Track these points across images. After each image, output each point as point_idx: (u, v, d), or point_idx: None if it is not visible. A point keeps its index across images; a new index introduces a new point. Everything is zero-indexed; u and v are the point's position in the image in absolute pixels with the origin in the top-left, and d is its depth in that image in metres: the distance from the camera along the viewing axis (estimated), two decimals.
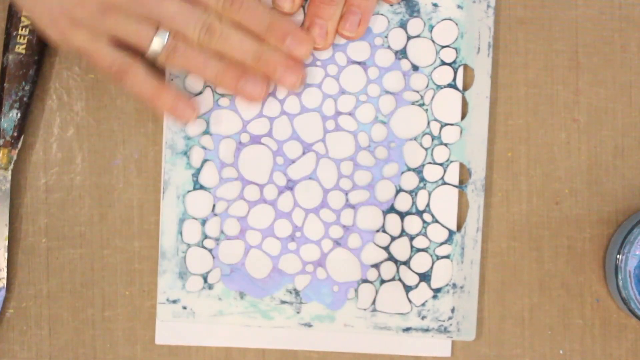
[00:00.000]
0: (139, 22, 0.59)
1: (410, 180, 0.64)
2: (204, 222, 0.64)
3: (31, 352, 0.65)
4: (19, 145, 0.64)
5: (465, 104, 0.64)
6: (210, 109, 0.64)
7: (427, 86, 0.64)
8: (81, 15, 0.58)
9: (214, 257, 0.64)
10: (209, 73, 0.61)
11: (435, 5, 0.64)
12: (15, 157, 0.64)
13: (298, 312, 0.64)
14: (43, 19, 0.59)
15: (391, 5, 0.64)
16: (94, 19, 0.58)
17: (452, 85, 0.64)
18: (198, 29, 0.59)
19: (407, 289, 0.64)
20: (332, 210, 0.64)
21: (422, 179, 0.64)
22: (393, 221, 0.64)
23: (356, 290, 0.64)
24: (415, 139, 0.64)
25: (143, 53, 0.60)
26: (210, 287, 0.64)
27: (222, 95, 0.64)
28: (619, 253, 0.62)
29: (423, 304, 0.64)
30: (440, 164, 0.64)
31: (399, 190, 0.64)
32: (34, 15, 0.60)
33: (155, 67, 0.61)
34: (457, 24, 0.64)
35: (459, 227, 0.64)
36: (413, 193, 0.64)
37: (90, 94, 0.65)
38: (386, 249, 0.64)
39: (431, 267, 0.64)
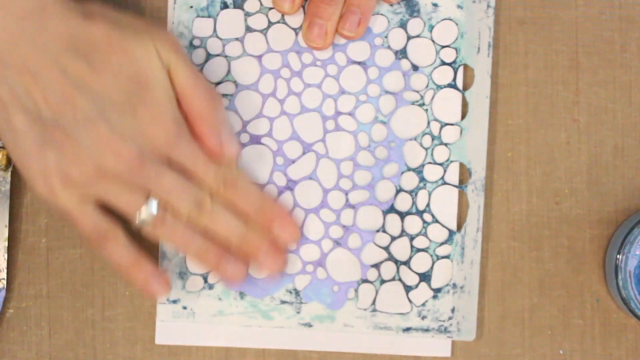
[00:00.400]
0: (131, 191, 0.58)
1: (410, 180, 0.64)
2: None
3: (31, 352, 0.65)
4: None
5: (465, 104, 0.64)
6: None
7: (427, 86, 0.64)
8: (75, 175, 0.57)
9: None
10: (192, 249, 0.60)
11: (435, 5, 0.64)
12: None
13: (298, 312, 0.64)
14: (33, 172, 0.57)
15: (391, 5, 0.64)
16: (87, 182, 0.57)
17: (452, 85, 0.64)
18: (189, 205, 0.59)
19: (407, 289, 0.64)
20: (332, 210, 0.64)
21: (422, 179, 0.64)
22: (393, 221, 0.64)
23: (356, 290, 0.64)
24: (415, 139, 0.64)
25: (129, 221, 0.59)
26: (210, 287, 0.64)
27: (223, 95, 0.64)
28: (619, 253, 0.62)
29: (423, 304, 0.64)
30: (440, 164, 0.64)
31: (399, 190, 0.64)
32: (23, 167, 0.57)
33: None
34: (457, 24, 0.64)
35: (459, 227, 0.64)
36: (413, 193, 0.64)
37: None
38: (386, 249, 0.64)
39: (431, 267, 0.64)
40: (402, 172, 0.64)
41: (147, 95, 0.57)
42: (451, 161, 0.64)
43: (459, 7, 0.64)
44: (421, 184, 0.64)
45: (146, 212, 0.58)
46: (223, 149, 0.59)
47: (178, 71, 0.58)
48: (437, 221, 0.64)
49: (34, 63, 0.55)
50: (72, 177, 0.57)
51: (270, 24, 0.64)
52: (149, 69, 0.57)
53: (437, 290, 0.64)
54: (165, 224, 0.59)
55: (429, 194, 0.64)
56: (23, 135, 0.57)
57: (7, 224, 0.64)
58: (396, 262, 0.64)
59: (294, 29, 0.64)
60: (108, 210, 0.59)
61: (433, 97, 0.64)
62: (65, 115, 0.56)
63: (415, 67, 0.64)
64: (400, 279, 0.64)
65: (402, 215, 0.64)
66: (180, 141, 0.58)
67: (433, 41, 0.64)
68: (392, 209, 0.64)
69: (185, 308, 0.64)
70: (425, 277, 0.64)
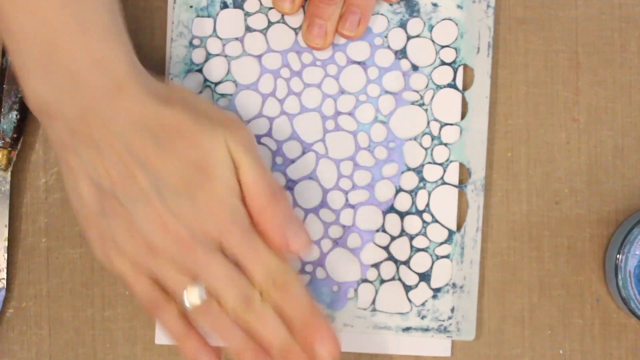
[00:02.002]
0: (179, 272, 0.57)
1: (410, 180, 0.64)
2: None
3: (31, 352, 0.65)
4: (19, 146, 0.64)
5: (465, 104, 0.64)
6: None
7: (426, 86, 0.64)
8: (128, 248, 0.57)
9: None
10: (232, 343, 0.59)
11: (435, 5, 0.64)
12: (14, 158, 0.64)
13: None
14: (94, 236, 0.58)
15: (391, 5, 0.64)
16: (137, 256, 0.57)
17: (452, 85, 0.64)
18: (238, 299, 0.58)
19: (407, 288, 0.64)
20: (332, 210, 0.64)
21: (421, 179, 0.64)
22: (393, 221, 0.64)
23: (356, 290, 0.64)
24: (415, 138, 0.64)
25: (177, 300, 0.58)
26: None
27: (222, 95, 0.64)
28: (619, 253, 0.61)
29: (423, 304, 0.64)
30: (440, 164, 0.64)
31: (398, 190, 0.64)
32: (86, 230, 0.59)
33: None
34: (457, 24, 0.64)
35: (458, 227, 0.64)
36: (413, 193, 0.64)
37: None
38: (386, 248, 0.64)
39: (431, 267, 0.64)
40: (402, 172, 0.64)
41: (208, 185, 0.57)
42: (451, 161, 0.64)
43: (459, 7, 0.64)
44: (421, 184, 0.64)
45: (192, 296, 0.58)
46: (288, 244, 0.58)
47: (244, 167, 0.57)
48: (436, 221, 0.64)
49: (100, 137, 0.56)
50: (125, 249, 0.57)
51: (270, 23, 0.64)
52: (214, 160, 0.57)
53: (437, 290, 0.64)
54: (209, 312, 0.58)
55: (429, 194, 0.64)
56: (86, 201, 0.58)
57: (7, 224, 0.64)
58: (396, 261, 0.64)
59: (294, 29, 0.64)
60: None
61: (433, 97, 0.64)
62: (124, 189, 0.56)
63: (415, 67, 0.64)
64: (400, 279, 0.64)
65: (402, 215, 0.64)
66: (234, 233, 0.57)
67: (433, 41, 0.64)
68: (391, 209, 0.64)
69: None
70: (425, 276, 0.64)
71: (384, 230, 0.64)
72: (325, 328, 0.59)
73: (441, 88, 0.64)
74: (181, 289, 0.58)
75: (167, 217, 0.56)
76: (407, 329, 0.64)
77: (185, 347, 0.59)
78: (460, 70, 0.64)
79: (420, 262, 0.64)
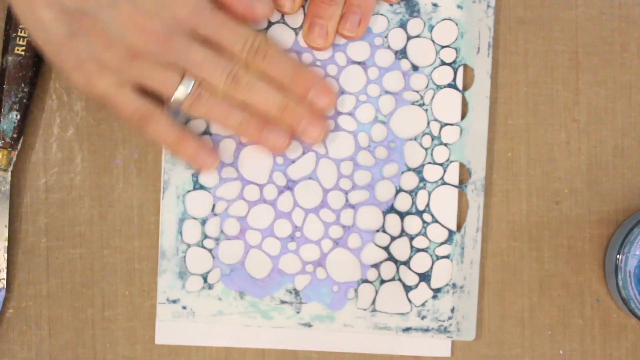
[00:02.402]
0: (164, 69, 0.58)
1: (410, 180, 0.64)
2: (203, 222, 0.64)
3: (31, 352, 0.65)
4: (19, 146, 0.64)
5: (465, 104, 0.64)
6: None
7: (427, 86, 0.64)
8: (108, 60, 0.58)
9: (213, 257, 0.64)
10: (232, 122, 0.60)
11: (435, 5, 0.64)
12: (15, 159, 0.64)
13: (298, 312, 0.64)
14: (69, 62, 0.58)
15: (391, 5, 0.64)
16: (120, 64, 0.58)
17: (452, 85, 0.64)
18: (224, 78, 0.59)
19: (407, 289, 0.64)
20: (332, 210, 0.64)
21: (422, 179, 0.64)
22: (393, 221, 0.64)
23: (356, 290, 0.64)
24: (415, 139, 0.64)
25: (166, 100, 0.59)
26: (210, 287, 0.64)
27: None
28: (619, 253, 0.62)
29: (423, 304, 0.64)
30: (440, 164, 0.64)
31: (398, 190, 0.64)
32: (59, 59, 0.59)
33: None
34: (457, 24, 0.64)
35: (458, 227, 0.64)
36: (413, 193, 0.64)
37: None
38: (386, 249, 0.64)
39: (431, 267, 0.64)
40: (402, 172, 0.64)
41: None
42: (451, 161, 0.64)
43: (459, 7, 0.64)
44: (421, 184, 0.64)
45: (182, 90, 0.59)
46: (252, 11, 0.59)
47: None
48: (436, 221, 0.64)
49: None
50: (105, 62, 0.58)
51: (270, 24, 0.64)
52: None
53: (437, 290, 0.64)
54: (201, 101, 0.59)
55: (429, 194, 0.64)
56: (52, 29, 0.57)
57: (7, 224, 0.64)
58: (396, 262, 0.64)
59: (294, 29, 0.64)
60: (147, 93, 0.59)
61: (433, 97, 0.64)
62: (89, 1, 0.57)
63: (415, 67, 0.64)
64: (400, 279, 0.64)
65: (402, 215, 0.64)
66: (202, 13, 0.58)
67: (433, 41, 0.64)
68: (392, 209, 0.64)
69: (185, 308, 0.64)
70: (425, 277, 0.64)
71: (384, 231, 0.64)
72: (316, 78, 0.61)
73: (441, 88, 0.64)
74: (169, 86, 0.59)
75: (138, 16, 0.57)
76: (407, 330, 0.64)
77: (183, 150, 0.60)
78: (461, 70, 0.64)
79: (421, 263, 0.64)
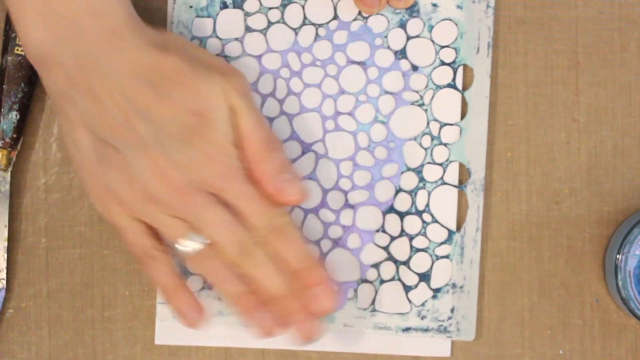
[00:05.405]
0: (177, 220, 0.58)
1: (409, 180, 0.64)
2: None
3: (31, 352, 0.65)
4: (19, 146, 0.64)
5: (464, 104, 0.64)
6: None
7: (426, 86, 0.64)
8: (125, 198, 0.57)
9: None
10: (229, 290, 0.59)
11: (434, 5, 0.64)
12: (14, 159, 0.64)
13: None
14: (91, 186, 0.58)
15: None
16: (136, 204, 0.57)
17: (452, 85, 0.64)
18: (236, 248, 0.58)
19: (407, 289, 0.64)
20: (332, 210, 0.64)
21: (421, 179, 0.64)
22: (392, 221, 0.64)
23: (356, 290, 0.64)
24: (414, 139, 0.64)
25: (171, 247, 0.59)
26: (210, 287, 0.64)
27: None
28: (618, 253, 0.61)
29: (423, 304, 0.64)
30: (440, 164, 0.64)
31: (398, 190, 0.64)
32: (83, 180, 0.59)
33: None
34: (456, 24, 0.64)
35: (458, 227, 0.64)
36: (412, 193, 0.64)
37: None
38: (386, 249, 0.64)
39: (431, 267, 0.64)
40: (402, 172, 0.64)
41: (206, 132, 0.57)
42: (451, 161, 0.64)
43: (459, 7, 0.64)
44: (421, 184, 0.64)
45: (188, 244, 0.58)
46: (283, 195, 0.58)
47: (242, 114, 0.58)
48: (436, 221, 0.64)
49: (98, 86, 0.56)
50: (122, 197, 0.57)
51: (269, 23, 0.64)
52: (212, 107, 0.57)
53: (437, 290, 0.64)
54: (205, 260, 0.58)
55: (429, 194, 0.64)
56: (84, 150, 0.58)
57: (7, 224, 0.64)
58: (396, 262, 0.64)
59: (294, 29, 0.64)
60: (158, 234, 0.59)
61: (432, 97, 0.64)
62: (123, 138, 0.56)
63: (414, 67, 0.64)
64: (399, 279, 0.64)
65: (402, 215, 0.64)
66: (232, 180, 0.57)
67: (433, 41, 0.64)
68: (391, 209, 0.64)
69: None
70: (424, 277, 0.64)
71: (383, 231, 0.64)
72: (322, 278, 0.60)
73: (441, 88, 0.64)
74: (178, 237, 0.58)
75: (165, 165, 0.56)
76: (407, 329, 0.64)
77: (174, 300, 0.60)
78: (460, 71, 0.64)
79: (420, 263, 0.64)
